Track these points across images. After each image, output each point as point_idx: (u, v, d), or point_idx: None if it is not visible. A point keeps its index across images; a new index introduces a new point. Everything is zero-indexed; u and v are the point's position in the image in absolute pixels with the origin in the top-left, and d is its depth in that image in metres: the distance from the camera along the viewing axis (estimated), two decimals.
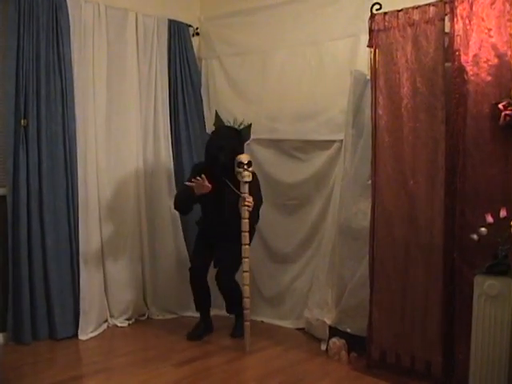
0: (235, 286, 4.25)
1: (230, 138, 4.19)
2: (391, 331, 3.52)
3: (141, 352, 4.13)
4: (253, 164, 4.07)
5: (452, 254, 3.27)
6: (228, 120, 4.33)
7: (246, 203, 3.98)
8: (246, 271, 4.02)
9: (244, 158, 4.04)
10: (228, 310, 4.44)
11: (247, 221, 4.00)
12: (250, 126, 4.32)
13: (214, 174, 4.06)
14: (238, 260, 4.10)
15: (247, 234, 4.02)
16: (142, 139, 4.78)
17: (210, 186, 3.99)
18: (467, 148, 3.21)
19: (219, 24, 5.17)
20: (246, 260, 4.02)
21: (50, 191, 4.16)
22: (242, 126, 4.28)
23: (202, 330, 4.34)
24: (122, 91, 4.63)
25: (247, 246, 4.02)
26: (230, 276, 4.25)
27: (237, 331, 4.32)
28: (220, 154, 4.06)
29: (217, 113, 4.44)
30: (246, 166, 3.99)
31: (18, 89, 4.00)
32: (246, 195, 3.99)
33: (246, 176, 3.99)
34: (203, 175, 3.97)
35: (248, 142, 4.44)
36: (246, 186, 4.00)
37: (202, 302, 4.37)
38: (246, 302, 4.05)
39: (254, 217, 4.18)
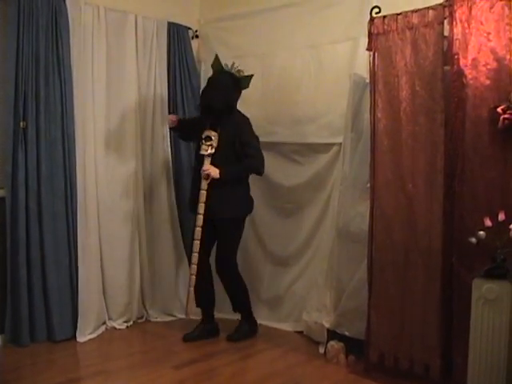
0: (234, 276, 4.28)
1: (226, 87, 4.20)
2: (389, 334, 3.52)
3: (139, 354, 4.13)
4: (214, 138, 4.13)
5: (450, 258, 3.27)
6: (226, 63, 4.34)
7: (203, 174, 4.09)
8: (197, 240, 4.13)
9: (204, 132, 4.13)
10: (233, 307, 4.40)
11: (204, 192, 4.09)
12: (251, 76, 4.33)
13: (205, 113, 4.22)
14: (234, 236, 4.26)
15: (203, 205, 4.10)
16: (140, 142, 4.77)
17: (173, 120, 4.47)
18: (466, 151, 3.21)
19: (219, 27, 5.17)
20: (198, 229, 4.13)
21: (49, 193, 4.15)
22: (240, 73, 4.30)
23: (198, 332, 4.31)
24: (122, 93, 4.63)
25: (200, 216, 4.11)
26: (226, 257, 4.28)
27: (234, 334, 4.30)
28: (212, 104, 4.14)
29: (217, 56, 4.44)
30: (203, 141, 4.11)
31: (17, 91, 3.99)
32: (205, 166, 4.09)
33: (203, 149, 4.11)
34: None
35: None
36: (204, 158, 4.11)
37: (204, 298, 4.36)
38: (192, 279, 4.15)
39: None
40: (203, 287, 4.29)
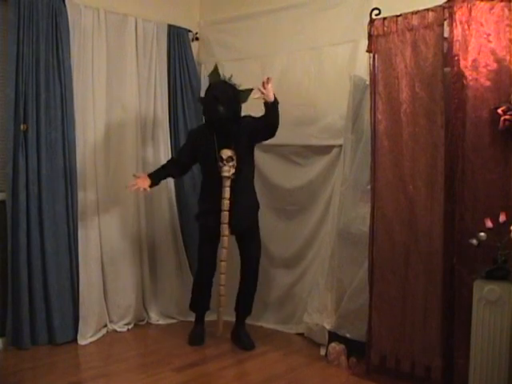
0: (257, 275, 4.29)
1: (227, 92, 4.07)
2: (391, 336, 3.51)
3: (140, 357, 4.13)
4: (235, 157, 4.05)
5: (451, 259, 3.27)
6: (224, 74, 4.27)
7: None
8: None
9: (224, 152, 4.04)
10: (240, 309, 4.35)
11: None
12: (251, 90, 4.21)
13: (213, 129, 4.09)
14: (259, 235, 4.26)
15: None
16: (141, 144, 4.77)
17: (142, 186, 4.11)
18: (466, 153, 3.21)
19: (219, 29, 5.18)
20: (225, 250, 4.13)
21: (50, 196, 4.15)
22: (239, 86, 4.21)
23: (202, 333, 4.32)
24: (122, 96, 4.63)
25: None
26: (258, 254, 4.27)
27: (246, 344, 4.20)
28: (218, 105, 3.98)
29: (216, 66, 4.39)
30: (225, 162, 4.02)
31: (17, 94, 3.99)
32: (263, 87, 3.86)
33: (225, 171, 4.02)
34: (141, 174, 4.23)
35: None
36: (226, 180, 4.02)
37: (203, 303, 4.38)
38: (221, 289, 4.16)
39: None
40: (205, 293, 4.33)
